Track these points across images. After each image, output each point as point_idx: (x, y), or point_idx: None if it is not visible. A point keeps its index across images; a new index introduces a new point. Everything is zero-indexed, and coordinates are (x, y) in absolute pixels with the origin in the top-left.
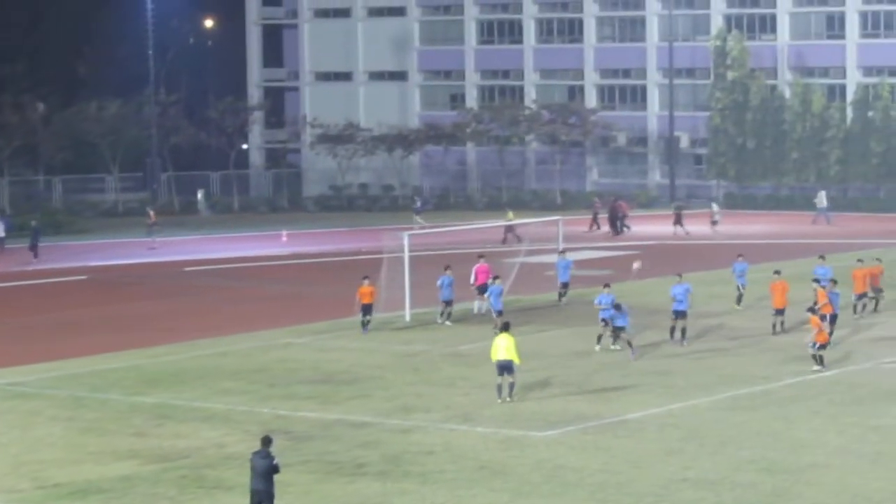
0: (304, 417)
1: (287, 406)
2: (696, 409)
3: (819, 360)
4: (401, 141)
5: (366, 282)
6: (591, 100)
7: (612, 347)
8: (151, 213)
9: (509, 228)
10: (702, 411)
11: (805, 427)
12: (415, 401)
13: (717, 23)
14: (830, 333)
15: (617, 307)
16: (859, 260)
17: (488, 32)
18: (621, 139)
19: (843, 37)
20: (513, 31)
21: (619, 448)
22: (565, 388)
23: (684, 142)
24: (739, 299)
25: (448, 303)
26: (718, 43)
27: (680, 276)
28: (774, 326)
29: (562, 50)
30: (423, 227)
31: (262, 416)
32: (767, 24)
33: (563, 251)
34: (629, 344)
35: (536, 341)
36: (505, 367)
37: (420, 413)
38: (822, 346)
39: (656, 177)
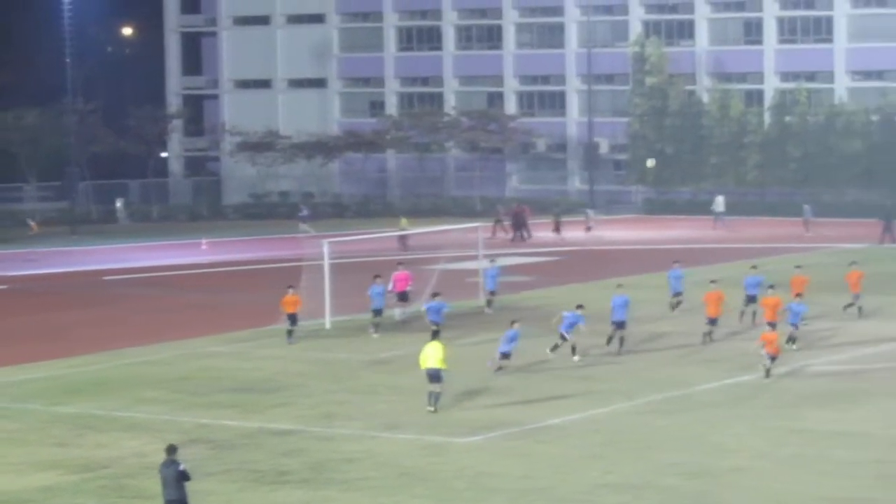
0: (226, 426)
1: (209, 415)
2: (617, 413)
3: (766, 373)
4: (321, 148)
5: (290, 291)
6: (511, 106)
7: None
8: (33, 224)
9: (402, 237)
10: (624, 416)
11: (727, 431)
12: (337, 408)
13: (635, 29)
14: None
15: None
16: (797, 266)
17: (408, 39)
18: (541, 145)
19: (760, 42)
20: (432, 38)
21: (541, 454)
22: (488, 395)
23: (604, 148)
24: (674, 305)
25: (378, 312)
26: (637, 49)
27: (620, 285)
28: (705, 336)
29: (481, 57)
30: (311, 236)
31: (184, 424)
32: (686, 30)
33: (493, 259)
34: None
35: (459, 348)
36: (433, 376)
37: (342, 420)
38: (773, 358)
39: (576, 183)
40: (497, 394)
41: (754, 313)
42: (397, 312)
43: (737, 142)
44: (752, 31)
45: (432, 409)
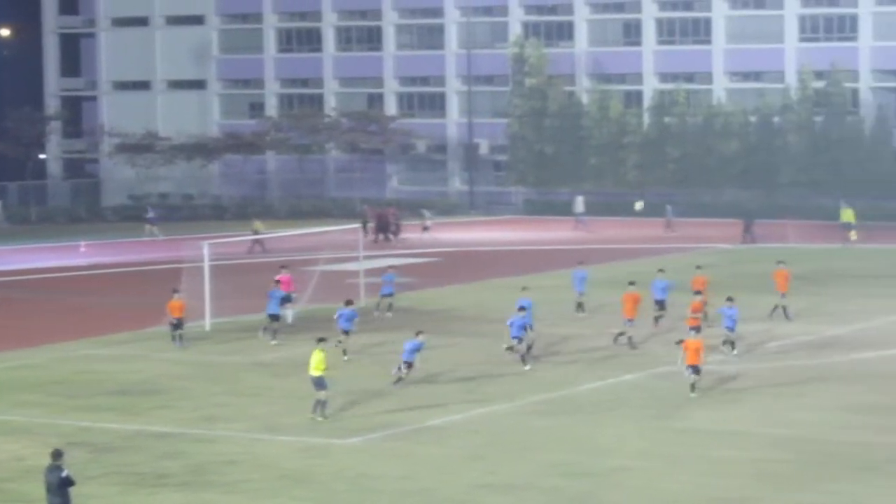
0: (106, 429)
1: (88, 418)
2: (499, 414)
3: (692, 388)
4: (200, 150)
5: (176, 296)
6: (391, 107)
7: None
8: None
9: (256, 239)
10: (505, 417)
11: (609, 431)
12: (218, 411)
13: (515, 30)
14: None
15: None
16: (698, 267)
17: (287, 41)
18: (421, 147)
19: (639, 44)
20: (312, 40)
21: (422, 455)
22: (369, 397)
23: (484, 148)
24: (579, 306)
25: (274, 317)
26: (517, 50)
27: (525, 288)
28: (617, 337)
29: (361, 58)
30: (156, 238)
31: (64, 427)
32: (565, 32)
33: (392, 266)
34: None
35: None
36: (316, 383)
37: (223, 423)
38: (696, 369)
39: (456, 184)
40: (378, 396)
41: (658, 318)
42: (288, 316)
43: (616, 142)
44: (632, 33)
45: (320, 418)
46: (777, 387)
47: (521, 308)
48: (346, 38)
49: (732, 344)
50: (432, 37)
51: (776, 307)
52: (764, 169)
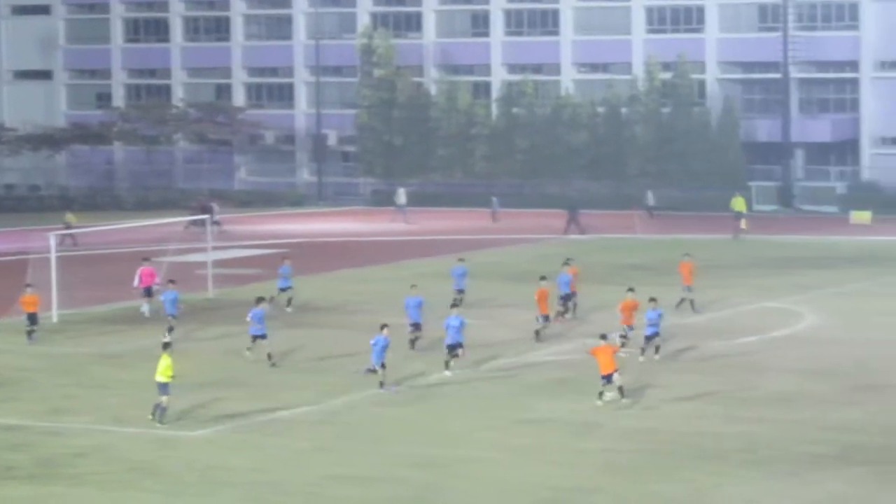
0: None
1: None
2: (349, 405)
3: (619, 392)
4: (47, 140)
5: (29, 290)
6: (240, 98)
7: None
8: None
9: (69, 233)
10: (355, 408)
11: (457, 422)
12: (65, 403)
13: (363, 21)
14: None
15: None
16: (566, 262)
17: (135, 31)
18: (269, 137)
19: (487, 35)
20: (159, 30)
21: (271, 446)
22: (218, 388)
23: (332, 140)
24: (457, 302)
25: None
26: (365, 41)
27: (414, 286)
28: (538, 333)
29: (209, 48)
30: None
31: None
32: (413, 22)
33: (286, 258)
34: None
35: (188, 339)
36: (160, 388)
37: (71, 415)
38: (609, 378)
39: (305, 175)
40: (227, 387)
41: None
42: (145, 309)
43: (464, 133)
44: (480, 24)
45: (158, 423)
46: (627, 378)
47: (454, 304)
48: (194, 29)
49: (657, 348)
50: (280, 27)
51: (682, 300)
52: (612, 160)
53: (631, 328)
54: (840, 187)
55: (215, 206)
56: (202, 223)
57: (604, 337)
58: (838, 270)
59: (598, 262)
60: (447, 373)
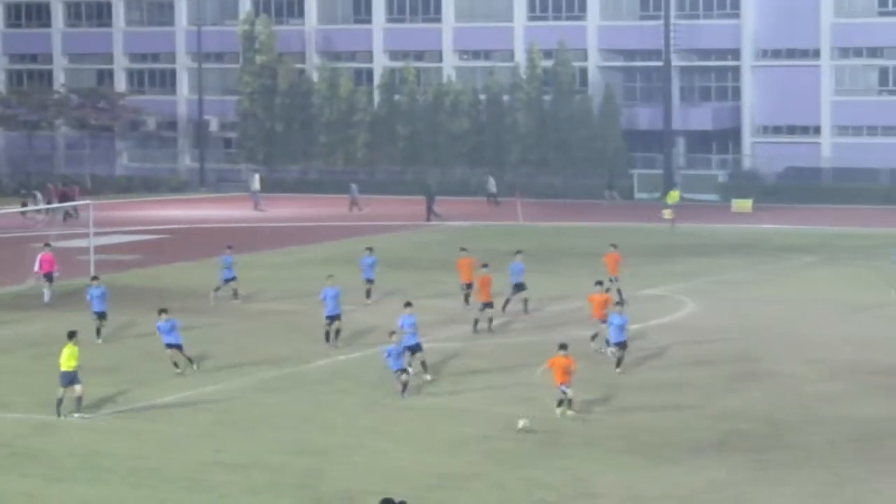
0: None
1: None
2: (228, 391)
3: (566, 404)
4: None
5: None
6: (121, 84)
7: (426, 377)
8: None
9: None
10: (234, 394)
11: (335, 409)
12: None
13: (245, 7)
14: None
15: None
16: (462, 249)
17: (16, 16)
18: (151, 123)
19: (369, 21)
20: (41, 15)
21: (151, 432)
22: (98, 373)
23: (214, 126)
24: (368, 293)
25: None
26: (247, 27)
27: (330, 276)
28: (477, 322)
29: (90, 34)
30: None
31: None
32: (295, 9)
33: (229, 247)
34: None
35: (71, 325)
36: (69, 379)
37: None
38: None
39: (186, 161)
40: (107, 372)
41: (525, 301)
42: (46, 295)
43: (346, 120)
44: (361, 10)
45: (77, 414)
46: (508, 365)
47: (408, 303)
48: (76, 14)
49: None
50: (162, 13)
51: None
52: (493, 147)
53: (604, 321)
54: (721, 175)
55: (75, 193)
56: (62, 210)
57: (563, 347)
58: (719, 259)
59: (482, 250)
60: (411, 372)
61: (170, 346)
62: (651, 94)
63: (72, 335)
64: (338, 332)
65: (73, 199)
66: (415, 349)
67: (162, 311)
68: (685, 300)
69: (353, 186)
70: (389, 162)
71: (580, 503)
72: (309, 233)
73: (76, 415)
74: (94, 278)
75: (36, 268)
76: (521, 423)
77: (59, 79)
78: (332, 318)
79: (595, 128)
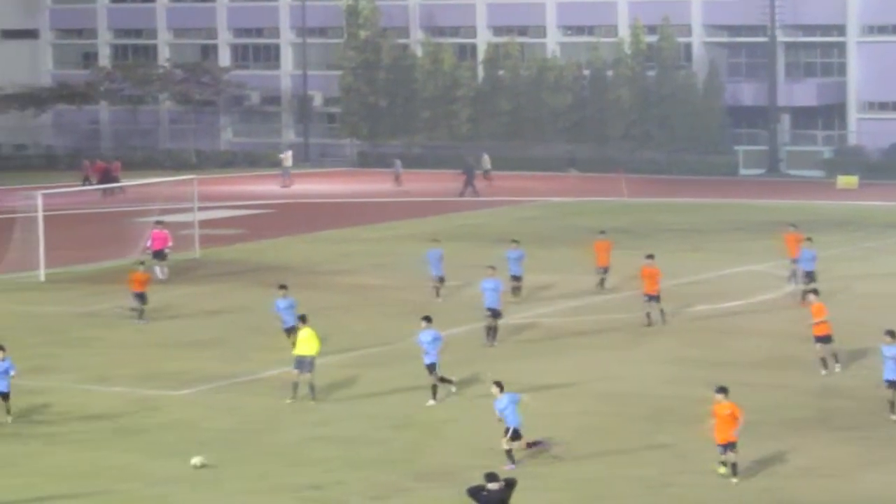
0: None
1: None
2: (330, 365)
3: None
4: (32, 100)
5: (141, 268)
6: (225, 59)
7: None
8: None
9: None
10: (336, 368)
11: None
12: (47, 361)
13: None
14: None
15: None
16: (601, 232)
17: None
18: (254, 98)
19: None
20: None
21: (253, 406)
22: (199, 348)
23: (317, 101)
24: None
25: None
26: (350, 2)
27: (493, 268)
28: (649, 315)
29: (194, 8)
30: None
31: None
32: None
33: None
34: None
35: (174, 298)
36: (306, 364)
37: (53, 374)
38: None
39: (290, 136)
40: (209, 347)
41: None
42: (157, 271)
43: (449, 95)
44: None
45: (313, 401)
46: (604, 340)
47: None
48: None
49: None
50: None
51: (793, 273)
52: (595, 122)
53: (650, 297)
54: (826, 152)
55: (116, 169)
56: (109, 189)
57: (723, 391)
58: (823, 235)
59: (582, 226)
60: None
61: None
62: (755, 70)
63: (303, 319)
64: (495, 329)
65: (115, 175)
66: (431, 368)
67: (282, 286)
68: (788, 276)
69: (397, 162)
70: (492, 137)
71: (681, 479)
72: (409, 208)
73: (313, 402)
74: (282, 287)
75: (147, 244)
76: (195, 461)
77: (164, 54)
78: (494, 313)
79: (698, 104)
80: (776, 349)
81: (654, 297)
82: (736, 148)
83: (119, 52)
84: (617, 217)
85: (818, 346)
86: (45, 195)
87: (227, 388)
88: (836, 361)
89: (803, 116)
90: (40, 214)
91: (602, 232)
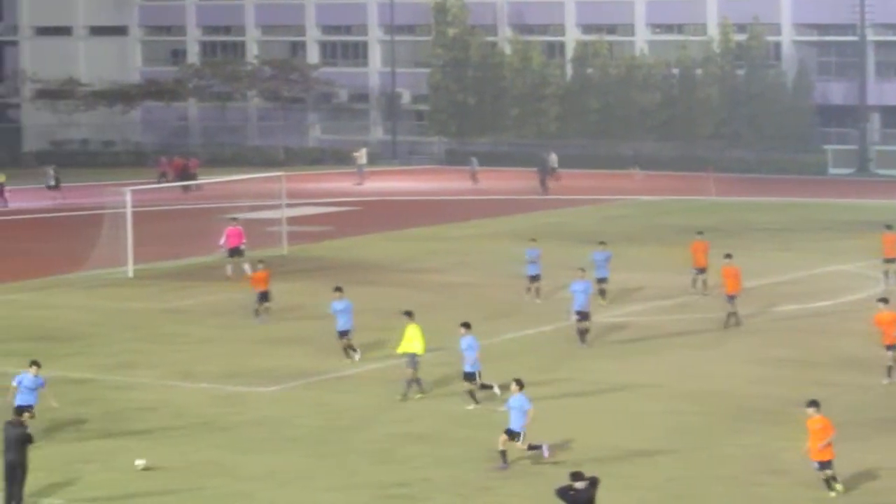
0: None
1: (5, 363)
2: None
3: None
4: (121, 96)
5: (260, 266)
6: (313, 56)
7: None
8: None
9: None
10: (422, 366)
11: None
12: (135, 357)
13: None
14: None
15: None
16: (699, 233)
17: None
18: (343, 95)
19: None
20: None
21: (340, 403)
22: (287, 344)
23: (406, 98)
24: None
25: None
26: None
27: (583, 270)
28: (730, 316)
29: (283, 5)
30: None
31: None
32: None
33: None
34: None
35: (250, 298)
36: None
37: (141, 369)
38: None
39: (378, 133)
40: (296, 343)
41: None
42: (228, 269)
43: (537, 93)
44: None
45: (418, 395)
46: (691, 340)
47: (467, 325)
48: None
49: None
50: None
51: (887, 273)
52: (684, 121)
53: (731, 297)
54: None
55: (194, 166)
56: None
57: (814, 404)
58: None
59: (669, 225)
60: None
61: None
62: (845, 69)
63: (410, 314)
64: (586, 331)
65: (193, 172)
66: (469, 377)
67: (337, 288)
68: (878, 276)
69: (473, 159)
70: (580, 135)
71: (765, 480)
72: (496, 205)
73: (418, 395)
74: (338, 289)
75: (222, 241)
76: (138, 463)
77: (252, 50)
78: (584, 315)
79: (788, 102)
80: (864, 350)
81: (733, 297)
82: (825, 147)
83: (207, 49)
84: (705, 216)
85: (890, 353)
86: (133, 191)
87: (314, 385)
88: None
89: (893, 116)
90: (129, 211)
91: (700, 233)
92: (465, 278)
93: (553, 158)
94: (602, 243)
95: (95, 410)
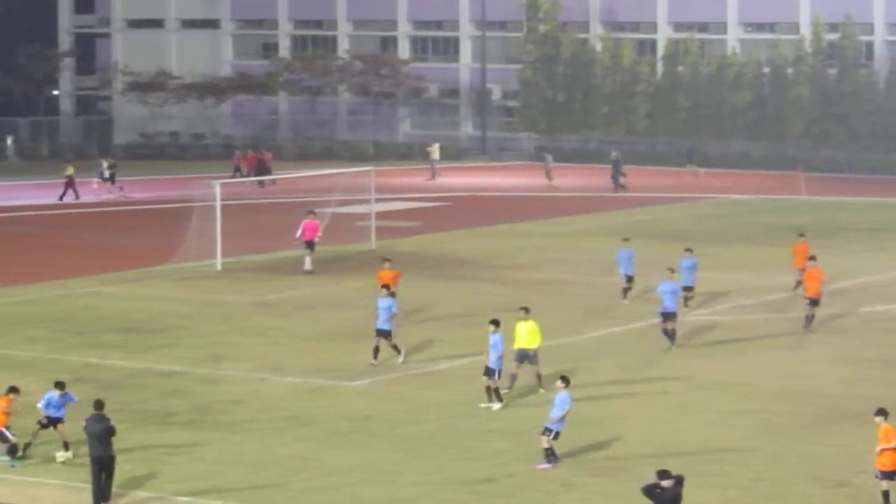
0: (113, 366)
1: (95, 354)
2: (508, 360)
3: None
4: (212, 89)
5: (386, 265)
6: (404, 51)
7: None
8: None
9: (69, 183)
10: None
11: (609, 380)
12: (224, 350)
13: None
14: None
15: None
16: (801, 235)
17: None
18: (433, 91)
19: None
20: None
21: (426, 398)
22: (373, 338)
23: (496, 94)
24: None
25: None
26: None
27: (672, 271)
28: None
29: (375, 1)
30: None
31: (71, 364)
32: None
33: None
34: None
35: (348, 290)
36: (530, 357)
37: (229, 362)
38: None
39: (468, 128)
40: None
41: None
42: (307, 262)
43: (628, 91)
44: None
45: (505, 389)
46: (781, 339)
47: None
48: None
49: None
50: None
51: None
52: (774, 120)
53: (812, 301)
54: None
55: (269, 160)
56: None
57: (882, 413)
58: None
59: (759, 224)
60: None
61: (380, 332)
62: None
63: (527, 310)
64: (673, 332)
65: (268, 166)
66: (490, 373)
67: (384, 286)
68: None
69: (548, 156)
70: (670, 133)
71: (855, 480)
72: (585, 203)
73: (542, 389)
74: (386, 289)
75: (297, 234)
76: (59, 456)
77: (343, 45)
78: (671, 316)
79: (880, 102)
80: None
81: (815, 301)
82: None
83: (299, 44)
84: (795, 215)
85: None
86: (223, 185)
87: (401, 380)
88: None
89: None
90: (218, 204)
91: (801, 235)
92: (558, 275)
93: (616, 155)
94: (688, 250)
95: (183, 402)
